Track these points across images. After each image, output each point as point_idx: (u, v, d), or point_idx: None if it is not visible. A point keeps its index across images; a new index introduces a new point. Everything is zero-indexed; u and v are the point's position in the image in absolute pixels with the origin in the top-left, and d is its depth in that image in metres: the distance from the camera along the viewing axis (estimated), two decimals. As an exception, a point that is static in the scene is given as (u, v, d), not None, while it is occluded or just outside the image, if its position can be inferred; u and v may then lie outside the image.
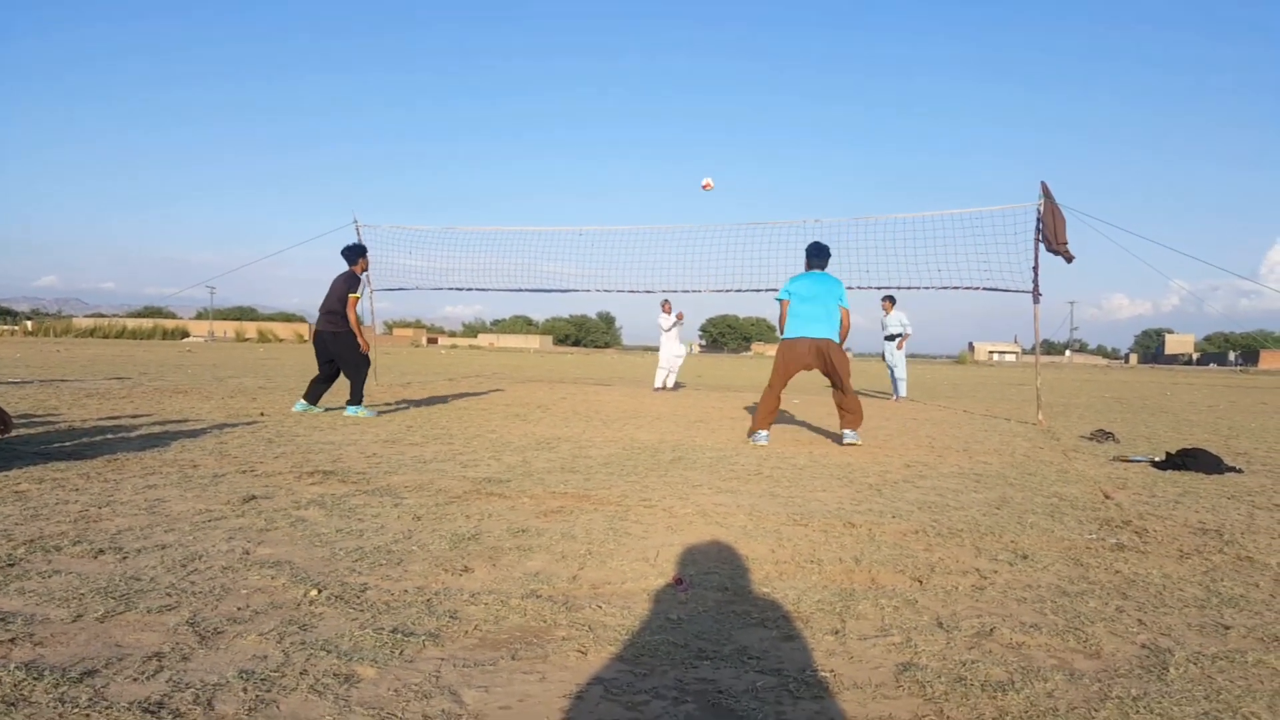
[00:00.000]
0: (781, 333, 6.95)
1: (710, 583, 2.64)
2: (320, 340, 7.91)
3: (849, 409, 6.73)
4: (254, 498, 3.73)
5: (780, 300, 6.98)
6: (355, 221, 11.90)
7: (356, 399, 7.68)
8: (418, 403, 9.65)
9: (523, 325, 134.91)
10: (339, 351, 7.77)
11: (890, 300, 13.26)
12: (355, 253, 8.17)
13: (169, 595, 2.34)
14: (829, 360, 6.72)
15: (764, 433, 6.71)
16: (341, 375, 7.92)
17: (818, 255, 7.09)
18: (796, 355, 6.77)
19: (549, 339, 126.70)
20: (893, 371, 13.29)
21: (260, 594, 2.39)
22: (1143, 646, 2.17)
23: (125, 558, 2.70)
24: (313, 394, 7.92)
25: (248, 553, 2.83)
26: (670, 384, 14.08)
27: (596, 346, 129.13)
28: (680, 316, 13.98)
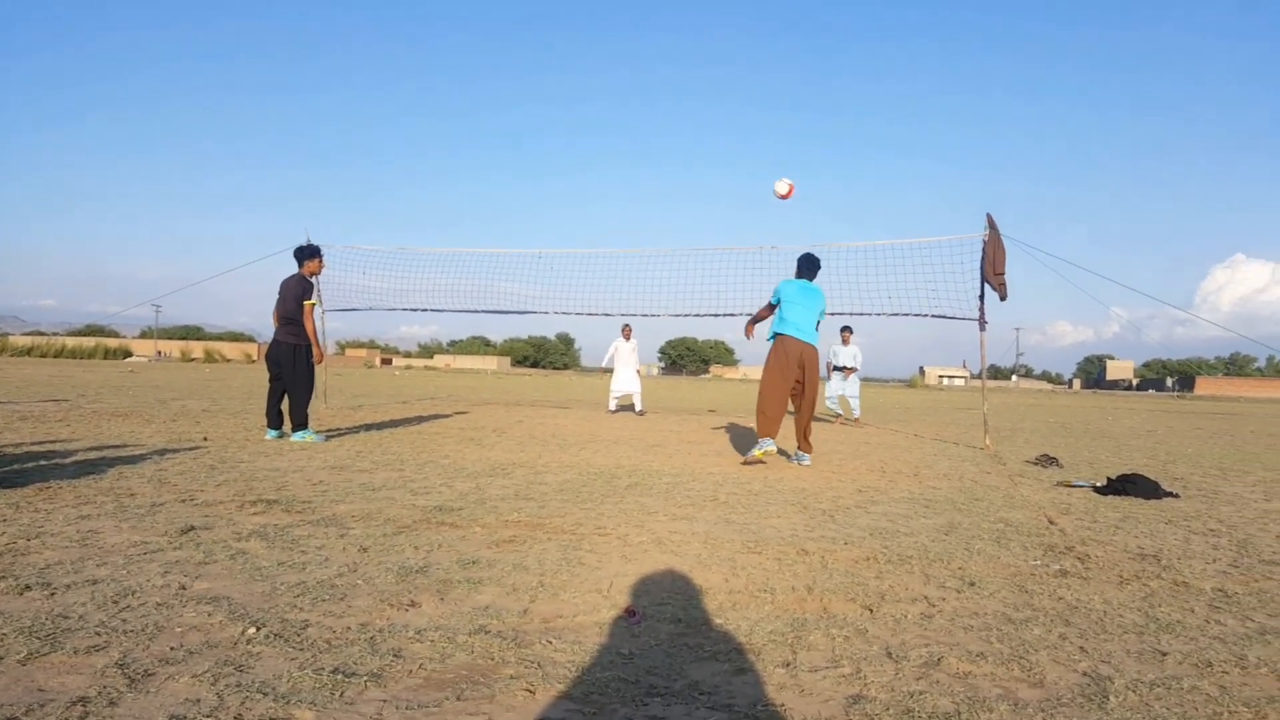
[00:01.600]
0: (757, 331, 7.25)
1: (663, 614, 2.61)
2: (276, 350, 7.61)
3: (805, 429, 6.96)
4: (193, 529, 3.61)
5: (772, 304, 7.17)
6: (307, 240, 11.70)
7: (302, 422, 7.51)
8: (369, 427, 9.48)
9: (480, 346, 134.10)
10: (293, 366, 7.52)
11: (849, 331, 13.50)
12: (305, 253, 7.84)
13: (98, 635, 2.25)
14: (812, 369, 6.90)
15: (770, 440, 6.77)
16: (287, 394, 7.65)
17: (809, 267, 7.26)
18: (790, 354, 6.84)
19: (506, 360, 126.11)
20: (831, 398, 13.59)
21: (195, 632, 2.30)
22: (1084, 674, 2.20)
23: (53, 594, 2.59)
24: (277, 418, 7.66)
25: (184, 588, 2.73)
26: (638, 408, 14.04)
27: (555, 368, 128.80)
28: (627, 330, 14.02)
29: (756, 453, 6.73)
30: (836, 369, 13.44)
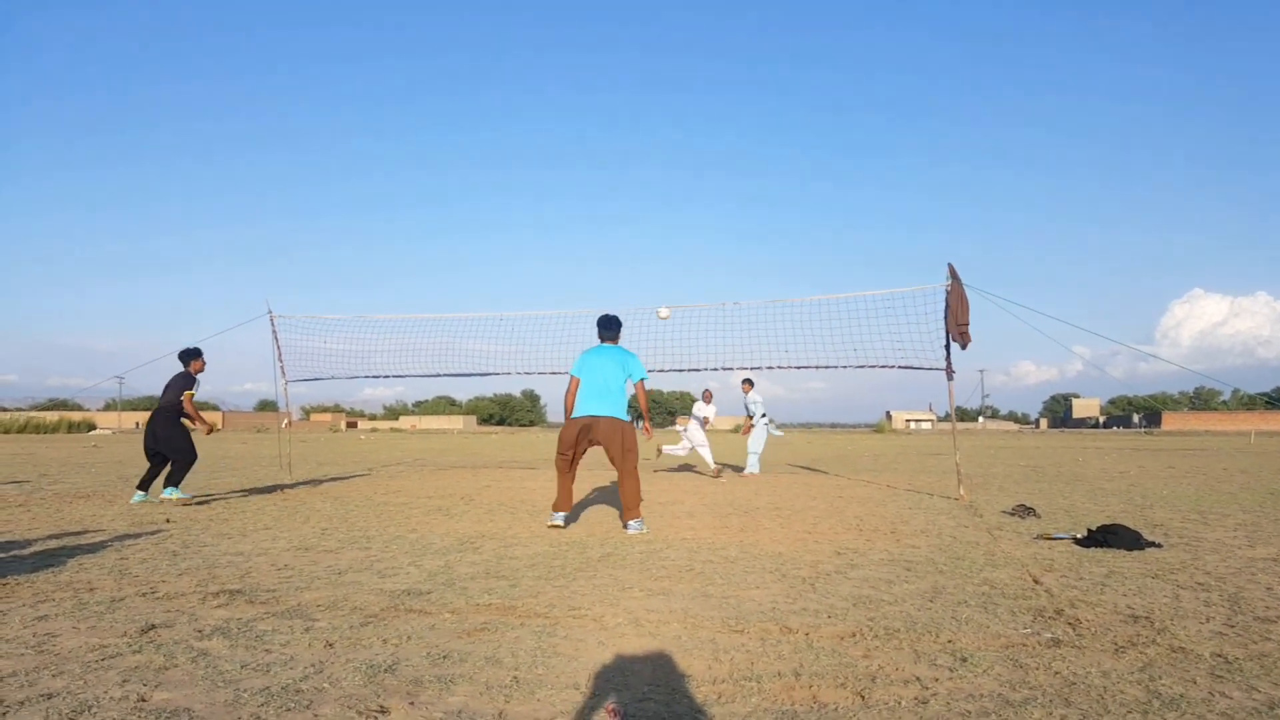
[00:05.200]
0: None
1: (645, 713, 2.50)
2: (151, 430, 8.83)
3: (626, 498, 6.64)
4: (154, 627, 3.45)
5: (571, 376, 6.89)
6: (269, 311, 11.56)
7: (176, 482, 8.60)
8: (335, 498, 9.26)
9: (445, 406, 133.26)
10: (167, 438, 8.75)
11: (748, 383, 13.44)
12: (190, 355, 9.17)
13: (43, 765, 2.09)
14: (609, 439, 6.65)
15: (559, 514, 6.69)
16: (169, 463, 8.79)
17: (607, 327, 7.04)
18: (572, 434, 6.68)
19: (473, 419, 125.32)
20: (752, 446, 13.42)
21: (149, 756, 2.15)
22: (1090, 765, 2.11)
23: (5, 713, 2.43)
24: (147, 482, 8.80)
25: (143, 699, 2.58)
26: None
27: (521, 425, 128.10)
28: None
29: (549, 524, 6.69)
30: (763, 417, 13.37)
